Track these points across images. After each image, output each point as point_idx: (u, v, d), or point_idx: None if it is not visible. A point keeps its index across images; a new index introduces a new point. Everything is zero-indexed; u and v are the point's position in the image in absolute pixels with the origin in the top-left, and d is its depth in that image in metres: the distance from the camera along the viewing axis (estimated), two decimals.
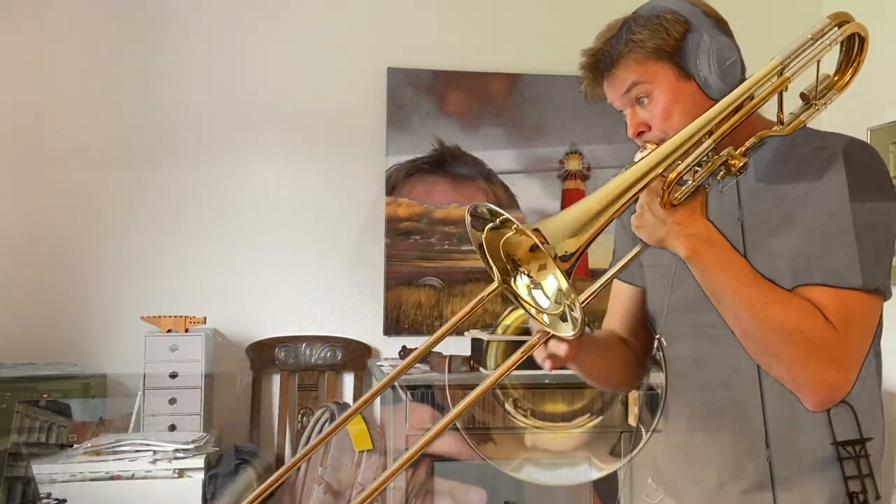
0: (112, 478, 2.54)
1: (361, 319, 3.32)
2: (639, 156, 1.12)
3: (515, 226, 0.92)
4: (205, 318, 2.99)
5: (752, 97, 1.04)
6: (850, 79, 1.12)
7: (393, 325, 3.32)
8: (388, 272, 3.31)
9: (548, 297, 0.96)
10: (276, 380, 3.25)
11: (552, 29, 3.43)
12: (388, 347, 3.30)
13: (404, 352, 3.12)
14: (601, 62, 1.19)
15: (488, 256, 0.96)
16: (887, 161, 3.15)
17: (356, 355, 3.28)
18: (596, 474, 2.64)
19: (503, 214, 0.92)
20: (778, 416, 1.20)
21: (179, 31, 3.23)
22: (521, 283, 0.97)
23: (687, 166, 1.01)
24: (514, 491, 2.82)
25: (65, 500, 2.48)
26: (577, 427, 2.71)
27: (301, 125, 3.28)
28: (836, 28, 1.08)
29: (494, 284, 0.98)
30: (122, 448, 2.61)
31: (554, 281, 0.94)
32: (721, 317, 1.07)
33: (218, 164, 3.21)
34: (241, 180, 3.24)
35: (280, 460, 3.15)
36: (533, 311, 0.96)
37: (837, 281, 1.06)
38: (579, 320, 0.91)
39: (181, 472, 2.59)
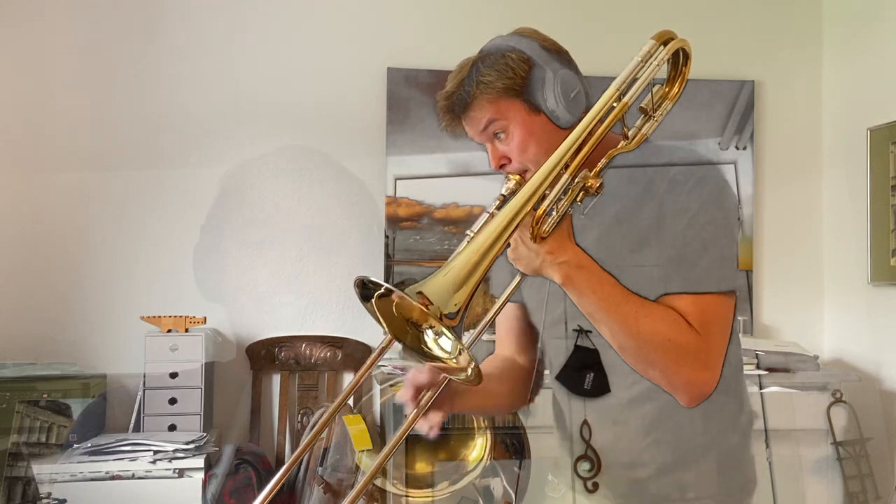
0: (112, 478, 2.54)
1: (361, 319, 3.31)
2: (504, 187, 1.23)
3: (397, 294, 0.99)
4: (205, 318, 2.99)
5: (600, 122, 1.11)
6: (680, 89, 1.19)
7: None
8: (388, 272, 3.31)
9: (449, 340, 1.03)
10: (276, 380, 3.25)
11: (552, 29, 3.42)
12: None
13: (404, 351, 3.12)
14: (456, 104, 1.28)
15: (382, 321, 1.06)
16: (887, 161, 3.16)
17: (356, 355, 3.28)
18: None
19: (382, 286, 1.00)
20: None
21: (178, 31, 3.23)
22: (428, 337, 1.05)
23: (551, 201, 1.08)
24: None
25: (65, 500, 2.48)
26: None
27: (301, 125, 3.28)
28: (662, 46, 1.14)
29: (387, 338, 1.08)
30: (122, 448, 2.61)
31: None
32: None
33: (218, 164, 3.21)
34: (240, 180, 3.24)
35: (280, 460, 3.15)
36: (436, 360, 1.05)
37: (695, 287, 1.17)
38: (471, 368, 1.00)
39: (181, 472, 2.59)
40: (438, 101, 1.31)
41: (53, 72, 3.15)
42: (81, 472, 2.53)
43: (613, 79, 1.29)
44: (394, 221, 3.32)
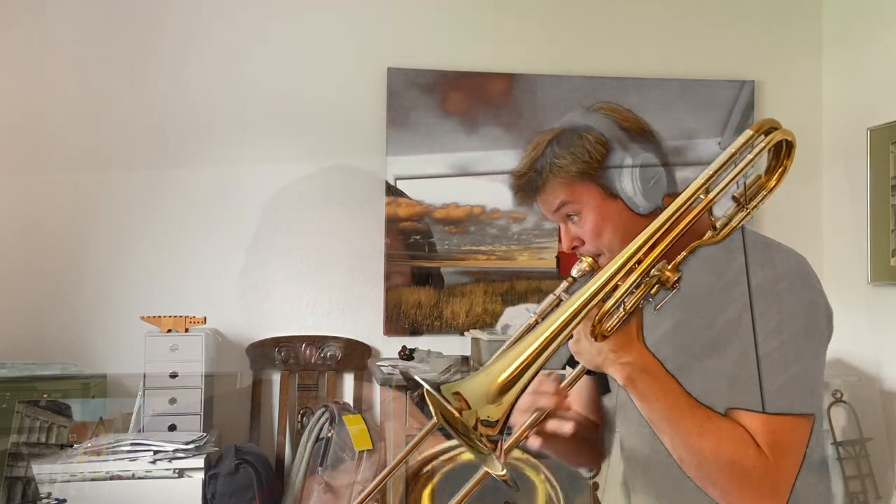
0: (112, 478, 2.54)
1: (361, 319, 3.32)
2: (576, 269, 1.18)
3: (435, 396, 0.90)
4: (205, 318, 2.99)
5: (683, 215, 1.02)
6: (778, 182, 1.08)
7: (393, 325, 3.32)
8: (388, 272, 3.31)
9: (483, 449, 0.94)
10: (276, 380, 3.25)
11: (552, 29, 3.43)
12: (388, 347, 3.30)
13: (404, 352, 3.12)
14: (529, 185, 1.23)
15: (432, 405, 0.97)
16: (887, 161, 3.16)
17: (356, 355, 3.28)
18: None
19: (423, 385, 0.92)
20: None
21: (179, 31, 3.23)
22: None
23: (619, 298, 1.00)
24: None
25: (65, 500, 2.48)
26: None
27: (301, 125, 3.28)
28: (762, 136, 1.03)
29: (433, 421, 1.02)
30: (122, 448, 2.61)
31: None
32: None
33: (218, 164, 3.21)
34: (241, 180, 3.24)
35: (280, 460, 3.15)
36: (474, 448, 0.95)
37: (769, 407, 1.08)
38: (505, 469, 0.92)
39: (181, 472, 2.59)
40: (511, 179, 1.26)
41: (54, 71, 3.15)
42: (81, 472, 2.52)
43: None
44: (394, 221, 3.32)
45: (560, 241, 1.24)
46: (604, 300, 0.98)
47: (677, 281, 1.01)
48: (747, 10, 3.56)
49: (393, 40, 3.36)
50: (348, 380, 3.31)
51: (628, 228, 1.09)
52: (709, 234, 1.06)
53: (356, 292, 3.31)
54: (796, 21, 3.61)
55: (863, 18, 3.42)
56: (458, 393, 0.88)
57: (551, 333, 0.93)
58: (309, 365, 3.25)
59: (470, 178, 3.38)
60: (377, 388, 3.25)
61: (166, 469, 2.57)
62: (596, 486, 1.35)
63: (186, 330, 2.93)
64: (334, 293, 3.29)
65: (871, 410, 3.13)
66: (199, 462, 2.61)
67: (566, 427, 1.13)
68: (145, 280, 3.14)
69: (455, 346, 3.14)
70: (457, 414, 0.88)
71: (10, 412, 2.58)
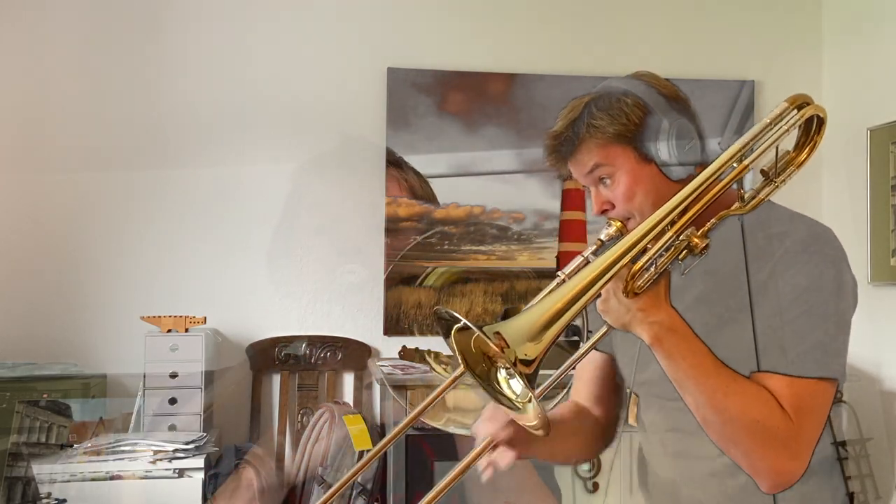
0: (112, 478, 2.54)
1: (361, 319, 3.32)
2: (604, 233, 1.18)
3: (476, 334, 0.94)
4: (205, 318, 2.99)
5: (715, 182, 1.06)
6: (808, 156, 1.14)
7: (393, 325, 3.32)
8: (388, 272, 3.31)
9: (520, 386, 0.98)
10: (276, 380, 3.25)
11: (552, 29, 3.43)
12: (388, 347, 3.30)
13: (404, 352, 3.12)
14: (563, 146, 1.23)
15: (459, 353, 0.99)
16: (887, 161, 3.16)
17: (356, 355, 3.28)
18: None
19: (461, 321, 0.94)
20: None
21: (179, 31, 3.23)
22: (500, 374, 1.00)
23: (650, 257, 1.03)
24: (515, 491, 2.81)
25: (65, 500, 2.48)
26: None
27: (301, 125, 3.28)
28: (795, 111, 1.10)
29: (460, 370, 1.02)
30: (122, 448, 2.61)
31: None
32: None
33: (218, 164, 3.21)
34: (241, 180, 3.24)
35: (280, 460, 3.15)
36: (504, 399, 0.99)
37: (793, 370, 1.09)
38: (540, 417, 0.95)
39: (181, 472, 2.59)
40: (546, 139, 1.25)
41: (54, 71, 3.15)
42: (81, 472, 2.52)
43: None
44: (394, 221, 3.32)
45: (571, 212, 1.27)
46: (635, 259, 1.01)
47: (705, 248, 1.04)
48: (747, 10, 3.56)
49: (393, 40, 3.36)
50: (348, 380, 3.31)
51: (661, 193, 1.09)
52: (737, 204, 1.09)
53: (356, 292, 3.31)
54: (796, 21, 3.61)
55: (863, 18, 3.42)
56: (497, 333, 0.91)
57: (588, 281, 0.97)
58: (309, 365, 3.25)
59: (470, 178, 3.38)
60: (377, 388, 3.26)
61: (166, 469, 2.56)
62: (596, 487, 1.36)
63: (186, 330, 2.93)
64: (334, 293, 3.29)
65: (871, 410, 3.13)
66: (199, 462, 2.60)
67: (503, 461, 1.16)
68: (145, 280, 3.14)
69: None
70: (497, 350, 0.90)
71: (10, 412, 2.58)
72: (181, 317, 2.94)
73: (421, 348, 3.11)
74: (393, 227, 3.32)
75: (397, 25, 3.37)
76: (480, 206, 3.39)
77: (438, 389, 1.09)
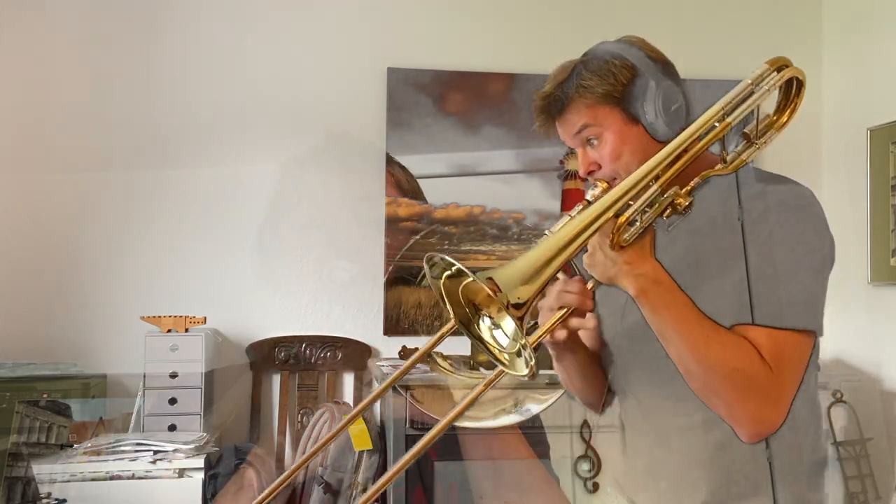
0: (112, 478, 2.54)
1: (361, 319, 3.32)
2: (590, 193, 1.18)
3: (470, 277, 0.96)
4: (205, 318, 2.99)
5: (698, 139, 1.09)
6: (789, 119, 1.16)
7: (393, 325, 3.32)
8: (388, 272, 3.31)
9: (507, 336, 1.00)
10: (276, 380, 3.25)
11: (552, 29, 3.43)
12: (388, 347, 3.30)
13: (404, 352, 3.12)
14: (552, 106, 1.25)
15: (447, 301, 1.01)
16: (887, 161, 3.16)
17: (356, 355, 3.28)
18: (535, 409, 2.61)
19: (456, 265, 0.96)
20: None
21: (179, 31, 3.23)
22: (483, 325, 1.02)
23: (635, 210, 1.07)
24: (516, 490, 2.81)
25: (65, 500, 2.48)
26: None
27: (301, 125, 3.28)
28: (774, 73, 1.13)
29: (451, 323, 1.03)
30: (122, 448, 2.61)
31: (510, 322, 0.99)
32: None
33: (218, 164, 3.21)
34: (241, 180, 3.24)
35: (280, 460, 3.15)
36: (495, 350, 1.01)
37: (773, 322, 1.13)
38: (531, 360, 0.96)
39: (181, 472, 2.59)
40: (535, 100, 1.28)
41: (54, 71, 3.15)
42: (81, 472, 2.52)
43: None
44: (394, 221, 3.32)
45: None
46: (620, 212, 1.05)
47: (689, 206, 1.08)
48: (747, 10, 3.56)
49: (393, 40, 3.36)
50: (348, 380, 3.31)
51: (647, 153, 1.11)
52: (719, 165, 1.13)
53: (356, 292, 3.31)
54: (796, 21, 3.61)
55: (863, 18, 3.42)
56: (490, 278, 0.94)
57: (577, 231, 1.01)
58: (309, 365, 3.25)
59: (470, 178, 3.38)
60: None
61: (166, 469, 2.56)
62: (596, 487, 1.36)
63: (186, 330, 2.93)
64: (334, 293, 3.29)
65: (871, 410, 3.13)
66: (199, 462, 2.60)
67: (590, 323, 1.18)
68: (145, 280, 3.14)
69: (455, 346, 3.14)
70: (492, 294, 0.92)
71: (10, 412, 2.58)
72: (181, 317, 2.95)
73: (420, 349, 3.11)
74: (393, 227, 3.32)
75: (397, 25, 3.37)
76: (480, 206, 3.38)
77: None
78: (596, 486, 2.16)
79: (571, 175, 3.42)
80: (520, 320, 0.94)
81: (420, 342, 3.20)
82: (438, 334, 1.08)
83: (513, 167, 3.40)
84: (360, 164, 3.32)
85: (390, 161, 3.33)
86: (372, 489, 0.98)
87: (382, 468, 2.83)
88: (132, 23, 3.19)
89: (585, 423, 2.65)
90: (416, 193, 3.34)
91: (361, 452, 2.85)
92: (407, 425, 2.79)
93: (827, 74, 3.57)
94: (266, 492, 1.02)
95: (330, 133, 3.30)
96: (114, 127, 3.17)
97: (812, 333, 1.16)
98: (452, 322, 1.02)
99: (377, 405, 3.27)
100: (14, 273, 3.07)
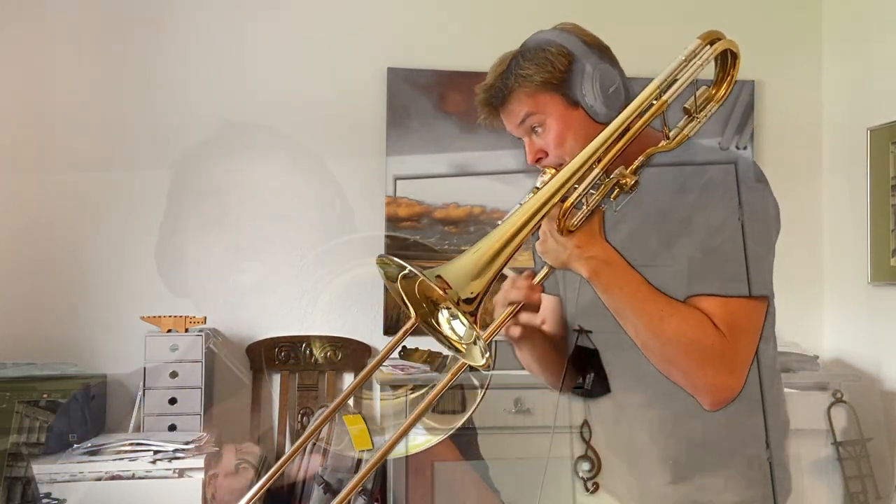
0: (112, 478, 2.54)
1: (361, 319, 3.32)
2: (539, 180, 1.19)
3: (420, 277, 0.97)
4: (205, 318, 2.99)
5: (637, 118, 1.10)
6: (727, 91, 1.19)
7: (393, 325, 3.31)
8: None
9: (464, 325, 1.01)
10: (276, 380, 3.25)
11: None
12: None
13: (404, 352, 3.12)
14: (494, 97, 1.29)
15: (406, 299, 1.03)
16: (887, 161, 3.16)
17: (356, 355, 3.28)
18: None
19: (406, 267, 0.98)
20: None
21: (179, 31, 3.23)
22: (442, 317, 1.03)
23: (580, 194, 1.09)
24: (516, 490, 2.81)
25: (65, 500, 2.48)
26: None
27: (301, 125, 3.28)
28: (708, 46, 1.15)
29: (412, 321, 1.05)
30: (122, 448, 2.61)
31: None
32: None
33: (218, 164, 3.21)
34: (241, 180, 3.24)
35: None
36: (451, 341, 1.03)
37: (724, 290, 1.15)
38: (486, 352, 0.98)
39: (181, 472, 2.59)
40: (477, 93, 1.32)
41: (54, 71, 3.15)
42: (81, 472, 2.52)
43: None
44: (394, 221, 3.32)
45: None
46: (566, 197, 1.07)
47: (635, 185, 1.11)
48: (747, 10, 3.56)
49: (393, 40, 3.36)
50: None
51: (590, 137, 1.12)
52: (663, 142, 1.15)
53: (356, 292, 3.31)
54: (796, 21, 3.61)
55: (863, 19, 3.42)
56: (439, 276, 0.95)
57: (523, 221, 1.03)
58: (309, 365, 3.25)
59: (470, 178, 3.38)
60: (377, 388, 3.25)
61: (166, 469, 2.56)
62: (596, 487, 1.36)
63: (186, 330, 2.93)
64: (334, 293, 3.29)
65: (871, 410, 3.13)
66: (199, 462, 2.60)
67: (537, 319, 1.21)
68: (145, 280, 3.14)
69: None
70: (440, 292, 0.94)
71: (10, 412, 2.58)
72: (181, 317, 2.95)
73: (421, 348, 3.11)
74: (393, 227, 3.32)
75: (397, 25, 3.37)
76: (480, 206, 3.38)
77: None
78: (596, 486, 2.16)
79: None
80: (472, 315, 0.95)
81: (420, 342, 3.20)
82: (401, 332, 1.09)
83: (513, 167, 3.40)
84: (359, 163, 3.32)
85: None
86: (343, 491, 0.99)
87: (382, 468, 2.83)
88: (132, 22, 3.19)
89: (585, 423, 2.64)
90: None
91: (361, 452, 2.85)
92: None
93: (827, 74, 3.57)
94: (257, 485, 1.04)
95: (330, 133, 3.30)
96: (114, 127, 3.17)
97: (764, 299, 1.18)
98: (413, 319, 1.04)
99: (377, 406, 3.27)
100: (14, 273, 3.07)
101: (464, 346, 1.01)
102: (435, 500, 2.78)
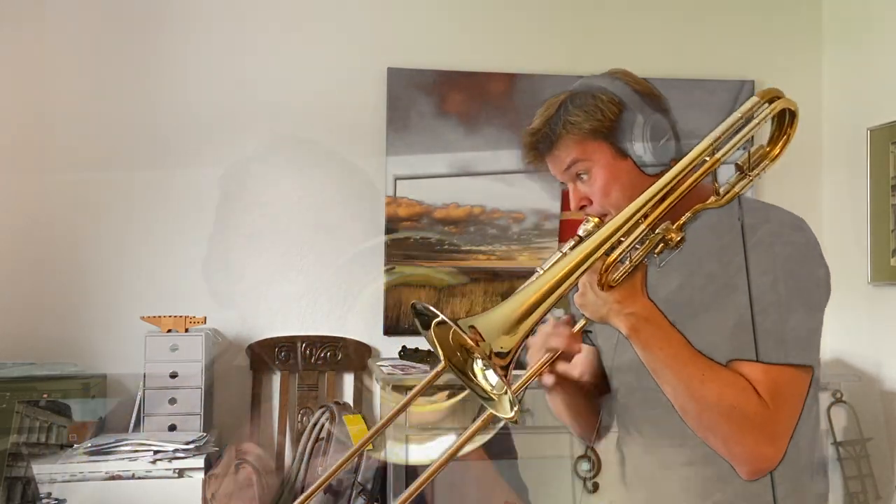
0: (112, 478, 2.54)
1: (361, 319, 3.32)
2: (582, 228, 1.17)
3: (453, 328, 0.94)
4: (205, 318, 2.99)
5: (688, 175, 1.08)
6: (782, 150, 1.16)
7: (393, 325, 3.31)
8: (388, 272, 3.31)
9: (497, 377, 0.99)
10: (276, 380, 3.25)
11: (552, 29, 3.43)
12: (388, 347, 3.30)
13: (404, 352, 3.12)
14: (541, 143, 1.25)
15: (439, 346, 1.00)
16: (887, 161, 3.16)
17: (356, 355, 3.28)
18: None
19: (439, 316, 0.95)
20: None
21: (179, 30, 3.23)
22: (476, 366, 1.00)
23: (625, 249, 1.05)
24: (515, 490, 2.81)
25: (65, 500, 2.48)
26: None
27: (301, 125, 3.28)
28: (766, 105, 1.12)
29: (441, 365, 1.02)
30: (122, 448, 2.61)
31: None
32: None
33: (218, 164, 3.21)
34: (241, 180, 3.23)
35: (280, 460, 3.15)
36: (480, 391, 0.99)
37: (769, 357, 1.11)
38: (516, 405, 0.95)
39: (181, 472, 2.59)
40: (524, 137, 1.27)
41: (54, 71, 3.15)
42: (81, 472, 2.52)
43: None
44: (394, 221, 3.32)
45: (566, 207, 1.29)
46: (609, 251, 1.04)
47: (681, 241, 1.07)
48: (747, 9, 3.56)
49: (393, 40, 3.36)
50: (348, 380, 3.30)
51: (637, 188, 1.09)
52: (712, 198, 1.12)
53: (356, 292, 3.30)
54: (796, 21, 3.61)
55: (863, 18, 3.42)
56: (472, 327, 0.92)
57: (563, 274, 0.99)
58: (309, 365, 3.25)
59: (470, 178, 3.38)
60: (377, 388, 3.25)
61: (166, 469, 2.57)
62: (596, 487, 1.35)
63: (186, 330, 2.93)
64: (334, 293, 3.29)
65: (871, 410, 3.13)
66: (199, 462, 2.61)
67: (575, 371, 1.19)
68: (145, 280, 3.14)
69: None
70: (473, 344, 0.91)
71: (10, 412, 2.58)
72: (181, 317, 2.95)
73: (421, 348, 3.11)
74: (393, 227, 3.32)
75: (397, 25, 3.37)
76: (480, 206, 3.38)
77: (420, 384, 1.09)
78: (596, 486, 2.16)
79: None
80: (503, 369, 0.92)
81: (420, 342, 3.20)
82: (428, 377, 1.06)
83: (513, 167, 3.40)
84: (360, 163, 3.32)
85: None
86: (311, 489, 0.98)
87: (383, 469, 2.83)
88: (132, 22, 3.19)
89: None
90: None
91: (361, 452, 2.84)
92: (406, 426, 2.79)
93: (827, 74, 3.57)
94: (307, 493, 1.02)
95: (330, 133, 3.30)
96: (114, 127, 3.17)
97: (809, 368, 1.14)
98: (442, 364, 1.01)
99: (377, 406, 3.27)
100: (14, 273, 3.06)
101: (495, 395, 0.98)
102: (435, 500, 2.78)
